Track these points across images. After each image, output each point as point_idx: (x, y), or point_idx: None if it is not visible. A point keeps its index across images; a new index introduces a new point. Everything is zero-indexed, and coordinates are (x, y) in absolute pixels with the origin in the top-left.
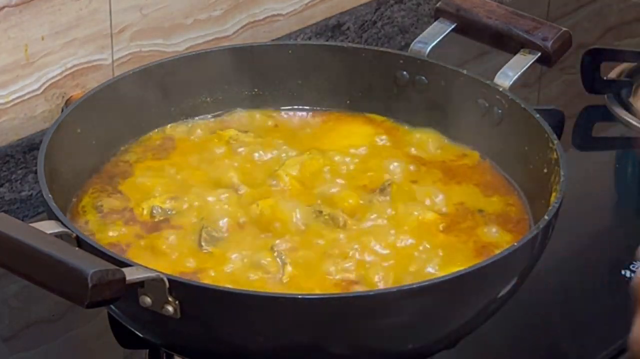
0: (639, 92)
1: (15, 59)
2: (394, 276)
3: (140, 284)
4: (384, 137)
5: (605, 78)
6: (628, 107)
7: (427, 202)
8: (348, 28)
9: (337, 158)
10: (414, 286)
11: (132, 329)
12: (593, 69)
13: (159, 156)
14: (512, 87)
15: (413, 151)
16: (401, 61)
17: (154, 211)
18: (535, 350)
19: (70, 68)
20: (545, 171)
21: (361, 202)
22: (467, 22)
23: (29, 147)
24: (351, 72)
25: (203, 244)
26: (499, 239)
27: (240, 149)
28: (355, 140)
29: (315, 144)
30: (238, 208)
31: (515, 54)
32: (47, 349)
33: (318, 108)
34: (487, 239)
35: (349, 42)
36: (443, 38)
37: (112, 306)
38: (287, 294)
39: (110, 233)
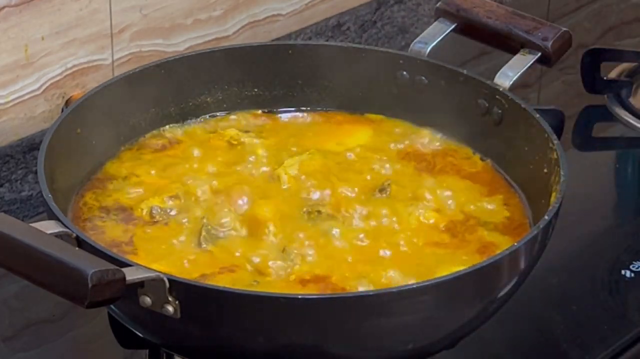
0: (639, 92)
1: (15, 59)
2: (394, 276)
3: (140, 284)
4: (383, 137)
5: (605, 78)
6: (628, 107)
7: (428, 202)
8: (348, 28)
9: (336, 158)
10: (414, 286)
11: (132, 329)
12: (593, 69)
13: (158, 156)
14: (512, 87)
15: (413, 151)
16: (401, 61)
17: (154, 211)
18: (535, 350)
19: (70, 68)
20: (545, 171)
21: (361, 202)
22: (467, 22)
23: (29, 147)
24: (351, 72)
25: (203, 243)
26: (499, 239)
27: (240, 149)
28: (354, 140)
29: (315, 144)
30: (238, 208)
31: (515, 54)
32: (47, 349)
33: (318, 108)
34: (487, 239)
35: (349, 42)
36: (443, 38)
37: (112, 306)
38: (287, 294)
39: (110, 233)
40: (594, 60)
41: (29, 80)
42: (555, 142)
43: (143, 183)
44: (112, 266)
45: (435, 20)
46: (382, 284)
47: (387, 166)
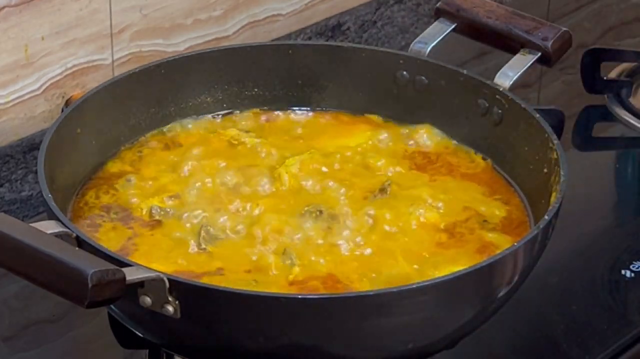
0: (639, 92)
1: (15, 59)
2: (394, 276)
3: (140, 284)
4: (383, 137)
5: (605, 78)
6: (628, 107)
7: (428, 202)
8: (348, 28)
9: (337, 158)
10: (414, 286)
11: (132, 329)
12: (593, 69)
13: (158, 156)
14: (512, 87)
15: (413, 151)
16: (401, 61)
17: (153, 211)
18: (535, 350)
19: (70, 68)
20: (545, 171)
21: (361, 202)
22: (467, 22)
23: (29, 147)
24: (351, 72)
25: (202, 243)
26: (499, 239)
27: (240, 149)
28: (355, 140)
29: (315, 144)
30: (238, 208)
31: (515, 54)
32: (47, 349)
33: (318, 108)
34: (487, 239)
35: (349, 42)
36: (443, 38)
37: (112, 306)
38: (287, 294)
39: (110, 233)
40: (594, 60)
41: (29, 80)
42: (555, 142)
43: (143, 183)
44: (112, 266)
45: (435, 20)
46: (382, 284)
47: (387, 166)
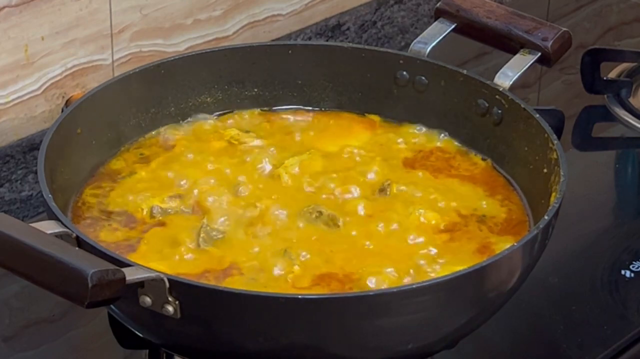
0: (639, 92)
1: (15, 59)
2: (394, 276)
3: (140, 284)
4: (383, 137)
5: (605, 78)
6: (628, 107)
7: (428, 202)
8: (348, 28)
9: (336, 158)
10: (414, 286)
11: (132, 329)
12: (593, 69)
13: (159, 156)
14: (512, 87)
15: (413, 151)
16: (401, 61)
17: (154, 211)
18: (535, 350)
19: (70, 68)
20: (545, 171)
21: (361, 202)
22: (467, 22)
23: (29, 147)
24: (351, 72)
25: (202, 243)
26: (499, 239)
27: (240, 149)
28: (354, 140)
29: (315, 144)
30: (238, 208)
31: (515, 54)
32: (47, 349)
33: (318, 108)
34: (487, 239)
35: (349, 42)
36: (443, 38)
37: (112, 306)
38: (287, 294)
39: (110, 233)
40: (594, 60)
41: (29, 80)
42: (555, 142)
43: (143, 183)
44: (112, 266)
45: (435, 20)
46: (382, 285)
47: (387, 166)
